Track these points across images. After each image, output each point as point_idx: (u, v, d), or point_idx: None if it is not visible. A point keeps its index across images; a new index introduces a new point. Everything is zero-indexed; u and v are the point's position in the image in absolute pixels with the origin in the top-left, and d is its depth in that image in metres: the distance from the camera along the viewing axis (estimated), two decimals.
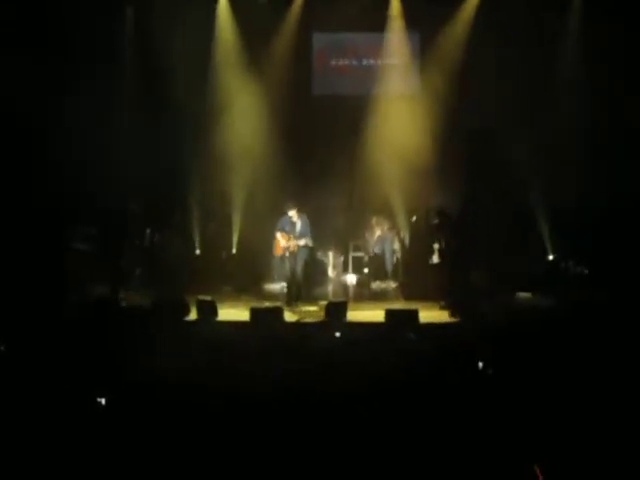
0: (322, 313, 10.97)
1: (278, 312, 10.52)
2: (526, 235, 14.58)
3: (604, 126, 14.13)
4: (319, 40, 16.32)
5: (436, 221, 13.12)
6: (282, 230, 12.95)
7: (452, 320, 11.14)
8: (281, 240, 12.93)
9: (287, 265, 12.95)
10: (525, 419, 4.98)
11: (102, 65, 14.74)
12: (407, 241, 15.28)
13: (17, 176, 13.99)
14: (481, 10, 15.07)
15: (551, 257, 14.68)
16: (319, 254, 15.89)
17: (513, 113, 13.95)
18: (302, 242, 12.77)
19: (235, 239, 15.38)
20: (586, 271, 13.49)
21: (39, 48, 13.93)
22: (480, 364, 6.49)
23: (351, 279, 16.08)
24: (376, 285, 15.53)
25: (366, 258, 16.09)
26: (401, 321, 10.01)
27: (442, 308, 12.43)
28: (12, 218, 13.73)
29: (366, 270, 16.00)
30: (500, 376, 6.24)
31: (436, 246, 14.39)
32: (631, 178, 13.37)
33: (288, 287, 13.06)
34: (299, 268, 12.91)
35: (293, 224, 12.87)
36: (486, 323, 9.72)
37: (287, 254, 12.85)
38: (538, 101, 14.63)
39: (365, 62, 16.48)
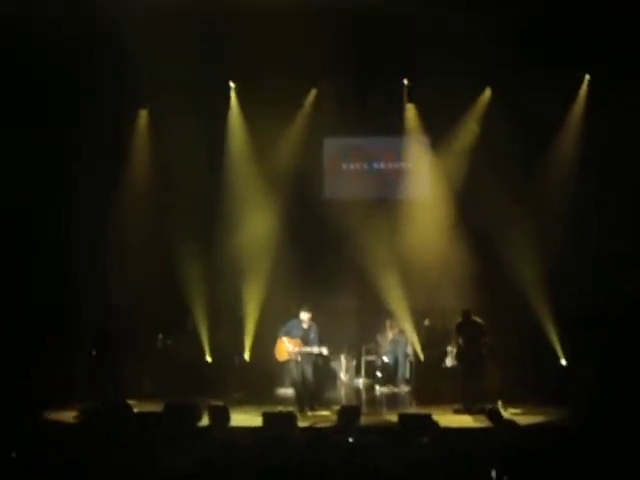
0: (335, 417, 10.85)
1: (291, 417, 10.42)
2: (538, 340, 14.43)
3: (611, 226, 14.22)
4: (330, 145, 16.62)
5: (460, 320, 13.03)
6: (288, 334, 12.67)
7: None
8: (288, 345, 12.61)
9: (296, 370, 12.67)
10: None
11: (108, 162, 15.03)
12: (420, 344, 15.16)
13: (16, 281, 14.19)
14: (490, 112, 15.37)
15: (564, 362, 14.52)
16: (330, 357, 15.78)
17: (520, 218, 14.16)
18: (316, 350, 12.57)
19: (248, 344, 15.29)
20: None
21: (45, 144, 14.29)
22: (493, 473, 6.39)
23: (363, 383, 15.89)
24: (388, 389, 15.38)
25: (379, 362, 15.94)
26: (414, 426, 9.93)
27: (456, 412, 12.34)
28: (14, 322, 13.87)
29: (379, 374, 15.85)
30: None
31: (450, 349, 14.32)
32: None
33: (298, 393, 12.81)
34: (309, 373, 12.69)
35: (303, 330, 12.62)
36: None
37: (299, 359, 12.60)
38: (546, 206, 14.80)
39: (376, 166, 16.73)
